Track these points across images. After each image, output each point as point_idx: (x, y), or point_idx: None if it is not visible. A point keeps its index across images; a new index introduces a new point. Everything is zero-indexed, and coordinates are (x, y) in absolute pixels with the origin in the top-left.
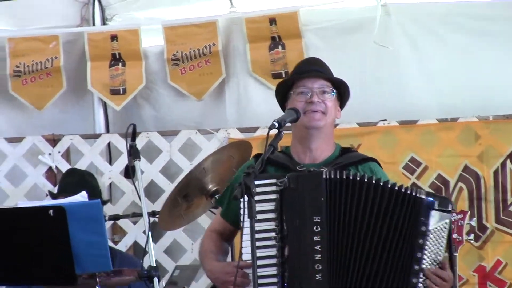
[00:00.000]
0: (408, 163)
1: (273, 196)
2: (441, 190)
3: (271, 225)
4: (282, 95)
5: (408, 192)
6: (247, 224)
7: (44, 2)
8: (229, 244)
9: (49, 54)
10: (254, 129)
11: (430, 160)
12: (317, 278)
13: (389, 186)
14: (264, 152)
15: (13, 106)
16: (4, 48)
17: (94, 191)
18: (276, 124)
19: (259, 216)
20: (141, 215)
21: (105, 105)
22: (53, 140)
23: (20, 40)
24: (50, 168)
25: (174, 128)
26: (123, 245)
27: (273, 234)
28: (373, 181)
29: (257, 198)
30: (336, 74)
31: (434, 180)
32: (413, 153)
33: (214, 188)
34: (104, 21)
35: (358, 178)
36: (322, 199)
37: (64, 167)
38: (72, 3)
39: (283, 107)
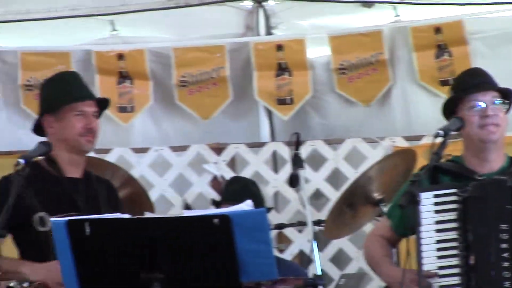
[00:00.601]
0: None
1: (454, 206)
2: None
3: (452, 234)
4: (450, 110)
5: None
6: (427, 234)
7: (207, 11)
8: (393, 249)
9: (215, 64)
10: (419, 137)
11: None
12: (505, 286)
13: None
14: (429, 160)
15: (178, 115)
16: (169, 57)
17: (256, 199)
18: (442, 133)
19: (439, 226)
20: (306, 223)
21: (270, 114)
22: (218, 149)
23: (185, 50)
24: (215, 176)
25: (340, 136)
26: (288, 254)
27: (455, 243)
28: None
29: (436, 208)
30: (503, 82)
31: None
32: None
33: (380, 197)
34: (268, 30)
35: None
36: (508, 206)
37: (229, 175)
38: (237, 12)
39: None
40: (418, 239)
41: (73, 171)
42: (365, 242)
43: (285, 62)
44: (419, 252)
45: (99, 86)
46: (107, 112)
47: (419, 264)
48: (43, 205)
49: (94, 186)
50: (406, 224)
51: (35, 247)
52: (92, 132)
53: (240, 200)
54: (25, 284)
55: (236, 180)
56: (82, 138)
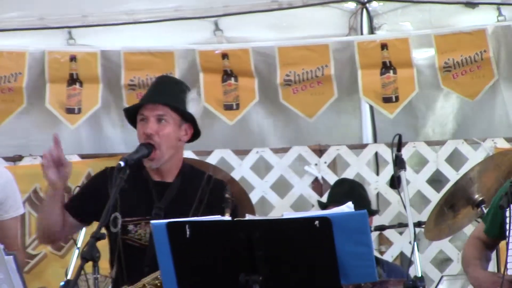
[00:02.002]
0: None
1: None
2: None
3: None
4: None
5: None
6: None
7: (310, 12)
8: (491, 252)
9: (320, 63)
10: None
11: None
12: None
13: None
14: None
15: (281, 115)
16: (273, 56)
17: (362, 201)
18: None
19: None
20: (407, 225)
21: (372, 115)
22: (319, 151)
23: (290, 49)
24: (316, 178)
25: (441, 138)
26: (389, 256)
27: None
28: None
29: None
30: None
31: None
32: None
33: (480, 198)
34: (372, 30)
35: None
36: None
37: (330, 177)
38: (341, 13)
39: None
40: (508, 243)
41: (161, 176)
42: (465, 244)
43: (389, 61)
44: (507, 255)
45: (204, 84)
46: (213, 111)
47: (505, 267)
48: (122, 206)
49: (188, 189)
50: (498, 226)
51: (110, 247)
52: (149, 138)
53: (343, 202)
54: None
55: (343, 181)
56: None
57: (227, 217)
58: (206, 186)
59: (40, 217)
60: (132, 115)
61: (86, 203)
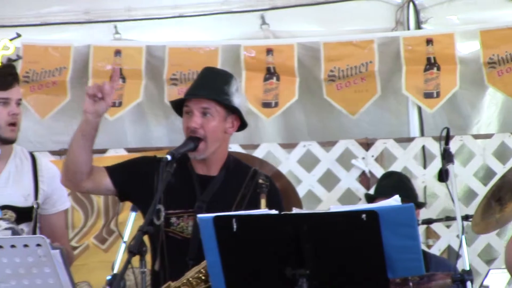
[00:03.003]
0: None
1: None
2: None
3: None
4: None
5: None
6: None
7: (357, 5)
8: None
9: (364, 59)
10: None
11: None
12: None
13: None
14: None
15: (328, 110)
16: (318, 51)
17: (409, 194)
18: None
19: None
20: (454, 218)
21: (419, 108)
22: (367, 144)
23: (335, 44)
24: (363, 172)
25: (486, 131)
26: (436, 249)
27: None
28: None
29: None
30: None
31: None
32: None
33: None
34: (418, 24)
35: None
36: None
37: (377, 171)
38: (387, 6)
39: None
40: None
41: (206, 169)
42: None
43: (434, 57)
44: None
45: (245, 81)
46: (251, 107)
47: None
48: (165, 198)
49: (232, 183)
50: None
51: (151, 239)
52: (193, 132)
53: (391, 195)
54: None
55: (390, 174)
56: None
57: (273, 211)
58: (250, 181)
59: (69, 151)
60: (180, 107)
61: (130, 178)
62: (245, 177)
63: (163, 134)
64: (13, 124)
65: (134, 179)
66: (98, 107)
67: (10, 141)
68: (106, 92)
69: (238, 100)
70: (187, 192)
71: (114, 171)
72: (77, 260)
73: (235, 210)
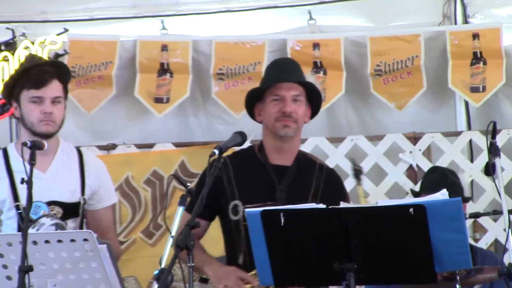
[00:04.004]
0: None
1: None
2: None
3: None
4: None
5: None
6: None
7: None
8: None
9: (410, 53)
10: None
11: None
12: None
13: None
14: None
15: (374, 104)
16: (365, 46)
17: (455, 188)
18: None
19: None
20: (501, 212)
21: (466, 102)
22: (414, 138)
23: (381, 39)
24: (410, 166)
25: None
26: (483, 243)
27: None
28: None
29: None
30: None
31: None
32: None
33: None
34: (465, 18)
35: None
36: None
37: (425, 165)
38: (434, 1)
39: None
40: None
41: (281, 159)
42: None
43: (480, 51)
44: None
45: None
46: None
47: None
48: (241, 193)
49: (304, 175)
50: None
51: (228, 236)
52: (288, 116)
53: (436, 190)
54: None
55: (435, 169)
56: (278, 123)
57: (321, 205)
58: (319, 175)
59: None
60: (254, 99)
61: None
62: (313, 170)
63: (205, 129)
64: (47, 120)
65: (209, 200)
66: None
67: (45, 136)
68: None
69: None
70: (264, 183)
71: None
72: (124, 255)
73: (311, 202)
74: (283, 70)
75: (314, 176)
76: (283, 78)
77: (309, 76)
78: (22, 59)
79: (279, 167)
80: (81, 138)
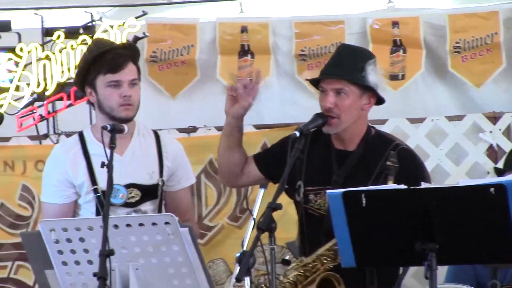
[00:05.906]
0: None
1: None
2: None
3: None
4: None
5: None
6: None
7: None
8: None
9: (489, 30)
10: None
11: None
12: None
13: None
14: None
15: (453, 83)
16: (443, 25)
17: None
18: None
19: None
20: None
21: None
22: (494, 118)
23: (459, 16)
24: (491, 145)
25: None
26: None
27: None
28: None
29: None
30: None
31: None
32: None
33: None
34: None
35: None
36: None
37: (505, 144)
38: None
39: None
40: None
41: (344, 145)
42: None
43: None
44: None
45: None
46: None
47: None
48: (306, 174)
49: (370, 158)
50: None
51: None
52: (328, 112)
53: None
54: None
55: None
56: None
57: (402, 186)
58: (392, 155)
59: (218, 154)
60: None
61: (274, 160)
62: (384, 150)
63: (293, 110)
64: (127, 104)
65: (277, 161)
66: (234, 109)
67: (125, 120)
68: (239, 93)
69: (373, 78)
70: (325, 167)
71: (259, 157)
72: (212, 240)
73: (371, 185)
74: (333, 62)
75: (383, 157)
76: (325, 72)
77: (370, 69)
78: (90, 44)
79: (342, 152)
80: (161, 121)
